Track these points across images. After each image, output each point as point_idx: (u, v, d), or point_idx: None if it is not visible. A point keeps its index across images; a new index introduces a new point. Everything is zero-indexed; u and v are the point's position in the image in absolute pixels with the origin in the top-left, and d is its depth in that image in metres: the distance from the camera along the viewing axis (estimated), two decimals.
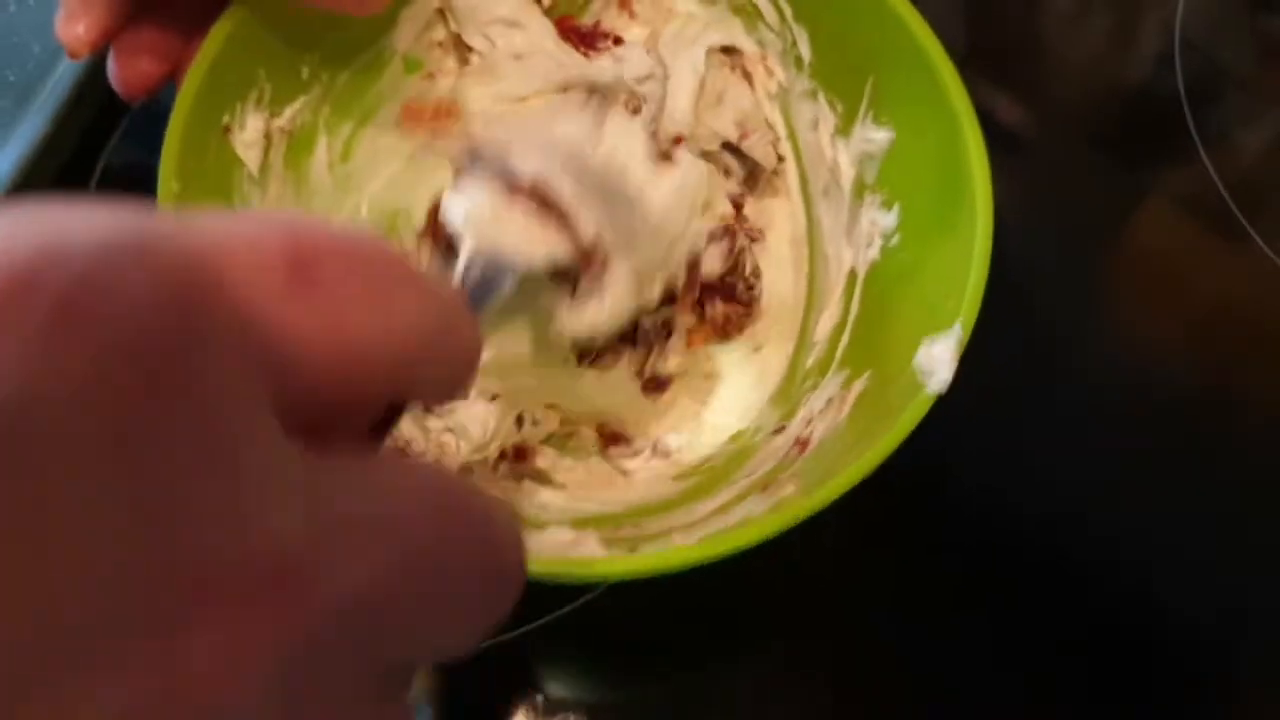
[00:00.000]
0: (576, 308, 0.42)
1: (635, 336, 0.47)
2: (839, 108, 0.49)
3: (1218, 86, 0.64)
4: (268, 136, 0.48)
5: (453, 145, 0.46)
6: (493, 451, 0.46)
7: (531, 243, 0.39)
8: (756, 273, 0.51)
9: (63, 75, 0.56)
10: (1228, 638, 0.50)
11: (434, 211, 0.44)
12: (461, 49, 0.53)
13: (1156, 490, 0.52)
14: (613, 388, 0.47)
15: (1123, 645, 0.49)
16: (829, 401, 0.47)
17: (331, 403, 0.17)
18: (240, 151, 0.46)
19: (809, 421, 0.47)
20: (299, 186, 0.50)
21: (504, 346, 0.43)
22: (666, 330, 0.48)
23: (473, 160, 0.42)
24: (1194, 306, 0.57)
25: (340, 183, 0.52)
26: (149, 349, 0.13)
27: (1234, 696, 0.50)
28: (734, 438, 0.50)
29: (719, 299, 0.49)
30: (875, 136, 0.48)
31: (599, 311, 0.42)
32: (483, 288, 0.37)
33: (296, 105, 0.49)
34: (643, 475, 0.49)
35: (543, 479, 0.47)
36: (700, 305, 0.49)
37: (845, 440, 0.44)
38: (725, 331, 0.51)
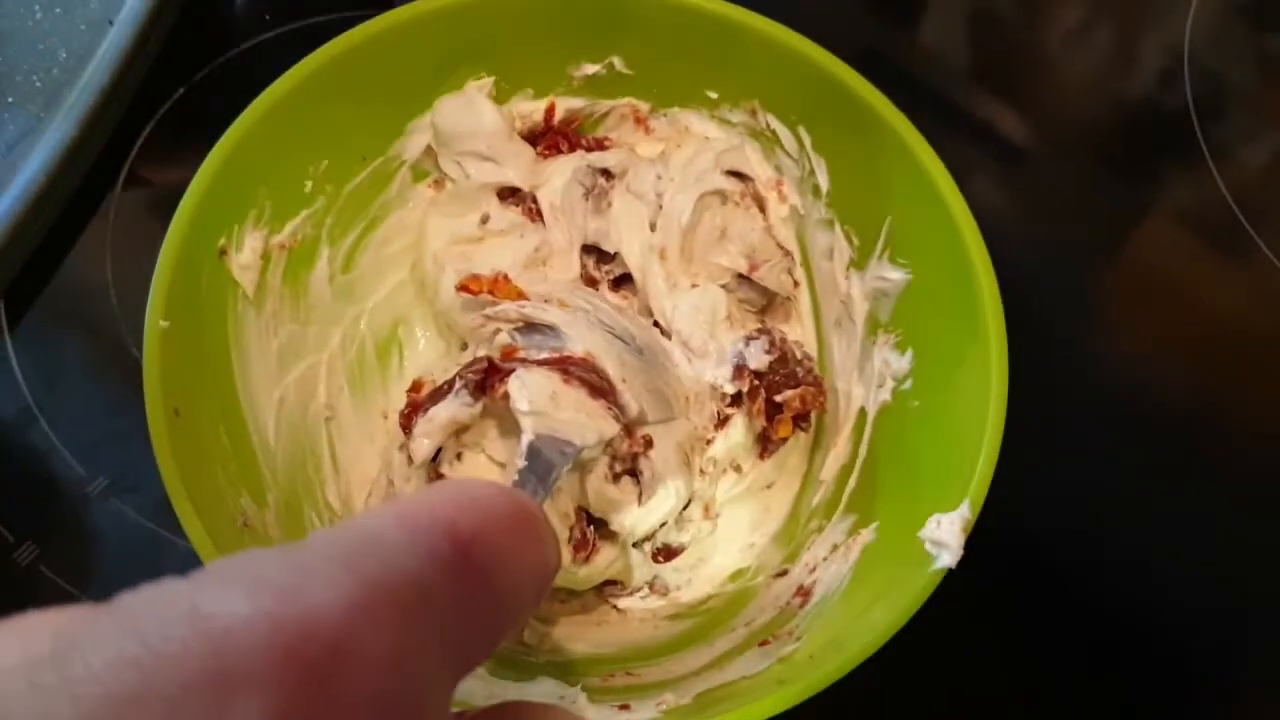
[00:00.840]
0: (646, 506, 0.44)
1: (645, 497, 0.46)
2: (855, 240, 0.48)
3: (1222, 103, 0.64)
4: (265, 255, 0.46)
5: (508, 313, 0.46)
6: None
7: (586, 424, 0.41)
8: (809, 355, 0.49)
9: (90, 80, 0.56)
10: (1226, 639, 0.51)
11: (487, 374, 0.44)
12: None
13: (1156, 503, 0.52)
14: (608, 564, 0.45)
15: (1119, 647, 0.49)
16: (834, 548, 0.45)
17: None
18: (236, 274, 0.45)
19: (813, 569, 0.45)
20: (296, 302, 0.48)
21: None
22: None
23: (526, 333, 0.44)
24: (1197, 321, 0.58)
25: (341, 294, 0.50)
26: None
27: (1234, 698, 0.51)
28: (734, 576, 0.48)
29: (785, 388, 0.48)
30: (891, 275, 0.46)
31: (665, 501, 0.44)
32: (545, 468, 0.39)
33: (298, 220, 0.48)
34: (638, 614, 0.47)
35: (527, 648, 0.46)
36: (769, 403, 0.48)
37: (850, 599, 0.42)
38: (805, 416, 0.49)
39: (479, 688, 0.41)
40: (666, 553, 0.48)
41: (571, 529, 0.44)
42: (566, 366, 0.42)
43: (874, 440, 0.47)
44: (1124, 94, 0.65)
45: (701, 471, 0.47)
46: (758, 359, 0.47)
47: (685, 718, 0.38)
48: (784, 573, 0.46)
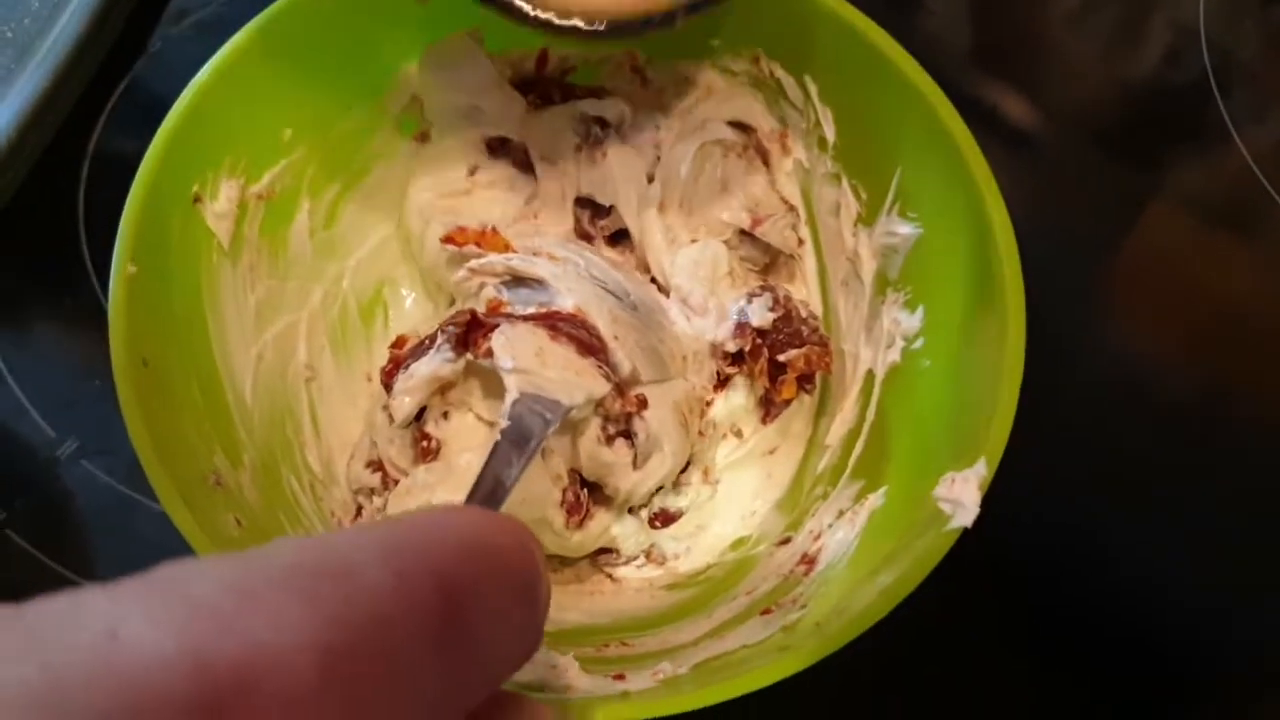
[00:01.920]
0: (642, 470, 0.42)
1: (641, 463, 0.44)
2: (863, 195, 0.46)
3: (1231, 81, 0.62)
4: (242, 205, 0.44)
5: (494, 265, 0.43)
6: None
7: (574, 382, 0.39)
8: (814, 314, 0.47)
9: (63, 31, 0.54)
10: (1229, 634, 0.49)
11: (469, 326, 0.41)
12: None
13: (1160, 495, 0.51)
14: (603, 530, 0.43)
15: (1117, 640, 0.48)
16: (840, 514, 0.43)
17: None
18: (211, 223, 0.42)
19: (817, 536, 0.43)
20: (275, 256, 0.46)
21: None
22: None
23: (513, 287, 0.42)
24: (1207, 308, 0.56)
25: (322, 250, 0.48)
26: None
27: (1235, 694, 0.50)
28: (735, 545, 0.46)
29: (789, 347, 0.45)
30: (901, 230, 0.44)
31: (661, 464, 0.42)
32: (526, 432, 0.37)
33: (277, 169, 0.45)
34: (634, 583, 0.45)
35: None
36: (772, 363, 0.46)
37: (857, 565, 0.40)
38: (810, 378, 0.47)
39: None
40: (664, 518, 0.45)
41: (564, 492, 0.42)
42: (554, 322, 0.40)
43: (883, 403, 0.45)
44: (1131, 74, 0.63)
45: (700, 434, 0.45)
46: (761, 316, 0.45)
47: (683, 687, 0.36)
48: (787, 540, 0.44)
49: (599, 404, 0.41)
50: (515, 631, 0.19)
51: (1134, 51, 0.63)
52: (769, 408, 0.47)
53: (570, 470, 0.42)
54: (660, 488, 0.44)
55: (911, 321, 0.43)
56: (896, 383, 0.44)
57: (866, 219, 0.46)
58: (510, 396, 0.38)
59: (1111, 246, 0.58)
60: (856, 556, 0.40)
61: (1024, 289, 0.39)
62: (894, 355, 0.44)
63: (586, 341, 0.40)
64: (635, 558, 0.45)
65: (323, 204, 0.48)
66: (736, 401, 0.46)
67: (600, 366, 0.40)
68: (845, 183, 0.46)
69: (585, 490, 0.42)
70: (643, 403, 0.41)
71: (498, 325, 0.40)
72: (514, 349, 0.39)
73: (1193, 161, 0.60)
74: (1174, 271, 0.57)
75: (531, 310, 0.41)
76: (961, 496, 0.36)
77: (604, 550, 0.45)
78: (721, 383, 0.46)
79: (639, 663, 0.39)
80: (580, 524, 0.42)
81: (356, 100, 0.47)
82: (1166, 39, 0.63)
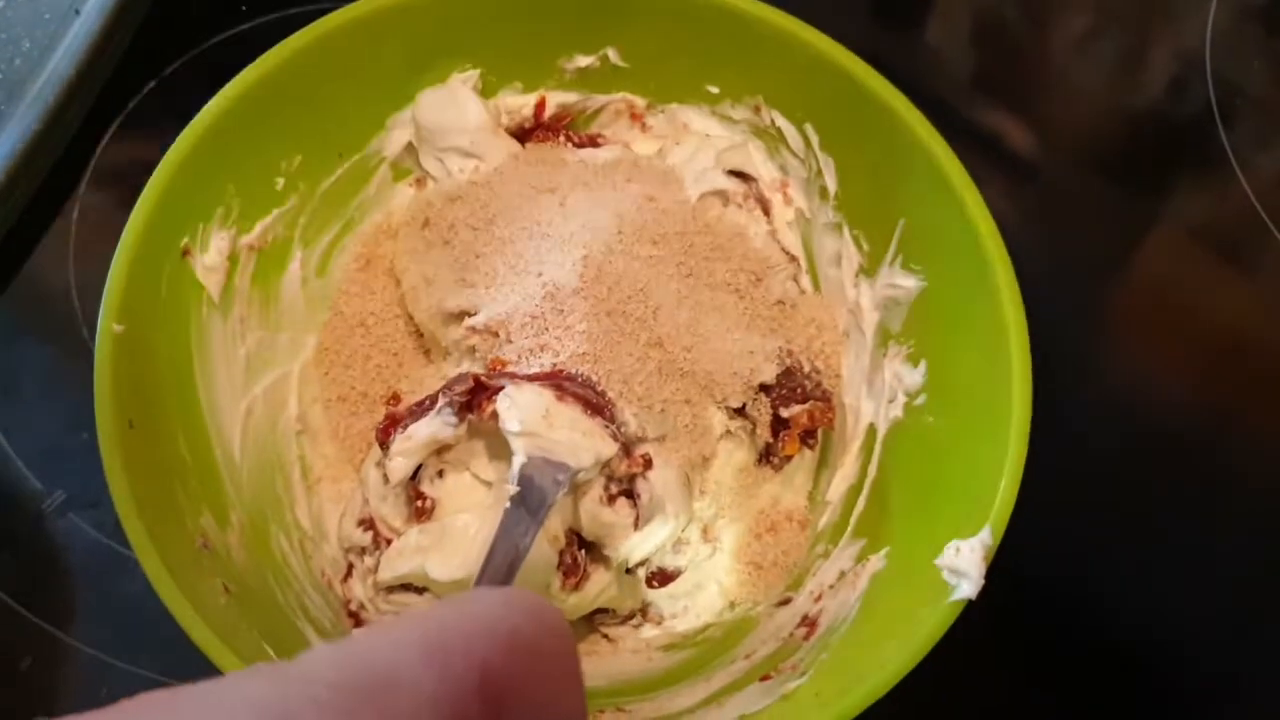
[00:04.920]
0: (643, 531, 0.41)
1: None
2: (865, 245, 0.45)
3: (1234, 113, 0.61)
4: (233, 256, 0.43)
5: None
6: None
7: (581, 444, 0.38)
8: (816, 368, 0.46)
9: (54, 72, 0.53)
10: (1232, 658, 0.49)
11: (474, 391, 0.40)
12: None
13: (1163, 522, 0.50)
14: (600, 591, 0.42)
15: (1122, 665, 0.48)
16: (841, 575, 0.42)
17: None
18: (201, 276, 0.42)
19: (818, 597, 0.42)
20: (266, 307, 0.45)
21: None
22: None
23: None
24: (1209, 336, 0.55)
25: (315, 299, 0.47)
26: None
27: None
28: (734, 604, 0.45)
29: (793, 402, 0.44)
30: (904, 283, 0.43)
31: (663, 525, 0.41)
32: (538, 497, 0.37)
33: (269, 219, 0.45)
34: (630, 643, 0.44)
35: None
36: (775, 418, 0.45)
37: (859, 631, 0.39)
38: (812, 433, 0.46)
39: None
40: (662, 577, 0.44)
41: (562, 554, 0.41)
42: (560, 382, 0.39)
43: (884, 459, 0.44)
44: (1134, 103, 0.62)
45: (701, 492, 0.44)
46: (764, 373, 0.44)
47: None
48: (787, 601, 0.43)
49: (604, 464, 0.40)
50: (561, 718, 0.19)
51: (1137, 80, 0.63)
52: (770, 462, 0.45)
53: (568, 530, 0.41)
54: (659, 549, 0.43)
55: (914, 377, 0.43)
56: (899, 439, 0.43)
57: (868, 270, 0.45)
58: (518, 460, 0.37)
59: (1110, 275, 0.57)
60: (859, 622, 0.39)
61: (1029, 347, 0.38)
62: (896, 410, 0.43)
63: (593, 401, 0.39)
64: (631, 617, 0.44)
65: (315, 253, 0.47)
66: (739, 457, 0.45)
67: (607, 426, 0.39)
68: (847, 233, 0.45)
69: (583, 551, 0.41)
70: (648, 463, 0.40)
71: (502, 387, 0.39)
72: (520, 411, 0.38)
73: (1194, 192, 0.59)
74: (1173, 301, 0.56)
75: (535, 369, 0.40)
76: (966, 567, 0.35)
77: (599, 610, 0.44)
78: (723, 435, 0.45)
79: None
80: (577, 586, 0.41)
81: (349, 148, 0.46)
82: (1171, 69, 0.63)
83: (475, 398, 0.39)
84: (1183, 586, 0.50)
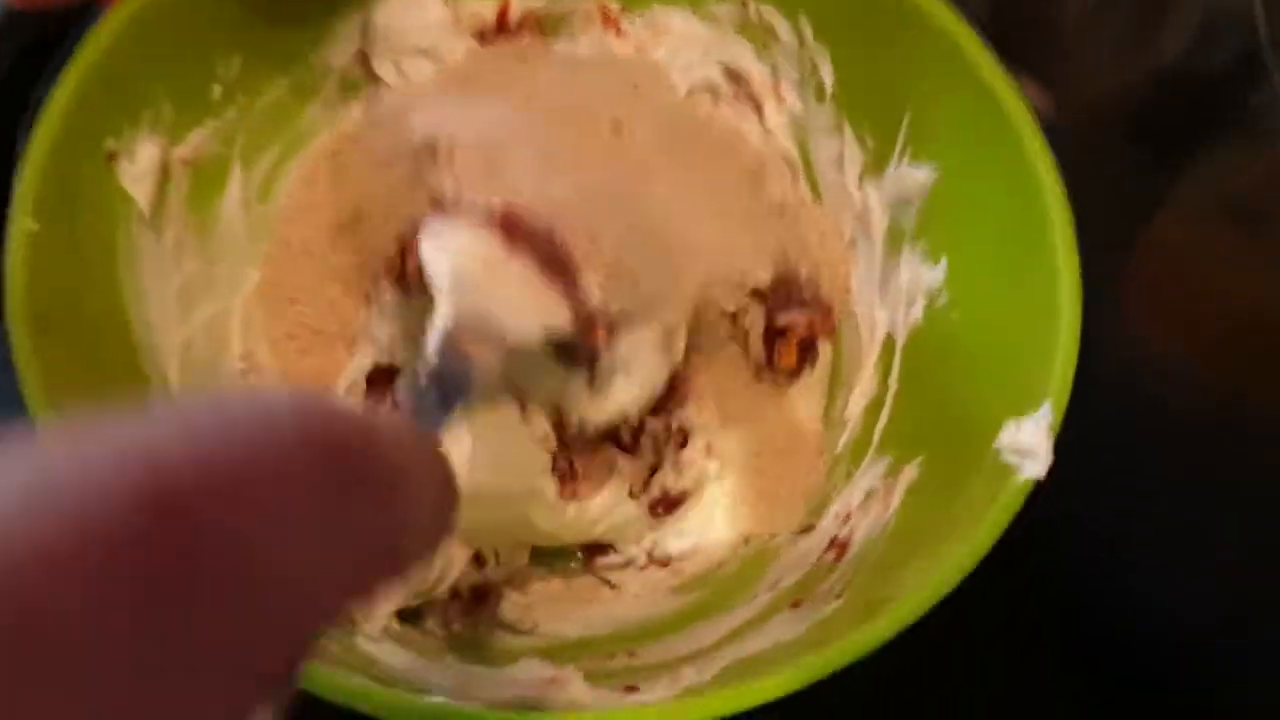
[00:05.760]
0: (600, 392, 0.34)
1: (633, 442, 0.38)
2: (869, 143, 0.41)
3: (1262, 70, 0.54)
4: (165, 169, 0.38)
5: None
6: (442, 593, 0.36)
7: (527, 308, 0.31)
8: (814, 278, 0.41)
9: None
10: (1245, 646, 0.46)
11: (403, 249, 0.35)
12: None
13: (1177, 506, 0.47)
14: (604, 512, 0.37)
15: (1126, 652, 0.45)
16: (869, 494, 0.38)
17: None
18: (128, 186, 0.36)
19: (846, 518, 0.38)
20: (204, 232, 0.40)
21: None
22: (681, 436, 0.39)
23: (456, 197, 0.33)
24: (1230, 312, 0.51)
25: (256, 228, 0.42)
26: None
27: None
28: (750, 538, 0.40)
29: (792, 309, 0.40)
30: (915, 176, 0.40)
31: (628, 390, 0.34)
32: (463, 365, 0.29)
33: (205, 131, 0.39)
34: (634, 588, 0.39)
35: (508, 627, 0.37)
36: (770, 330, 0.40)
37: (900, 541, 0.35)
38: (811, 347, 0.41)
39: (447, 677, 0.33)
40: (665, 503, 0.39)
41: (554, 457, 0.35)
42: (512, 225, 0.31)
43: (906, 369, 0.40)
44: (1158, 61, 0.58)
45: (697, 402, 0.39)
46: (758, 274, 0.39)
47: (707, 693, 0.30)
48: (809, 528, 0.39)
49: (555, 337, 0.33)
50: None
51: (1162, 35, 0.58)
52: (771, 379, 0.41)
53: (555, 423, 0.35)
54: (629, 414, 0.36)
55: (934, 275, 0.39)
56: (921, 344, 0.39)
57: (874, 169, 0.41)
58: (440, 324, 0.29)
59: (1130, 247, 0.54)
60: (896, 533, 0.35)
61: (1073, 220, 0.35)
62: (916, 314, 0.40)
63: (553, 256, 0.31)
64: (635, 559, 0.39)
65: (256, 176, 0.42)
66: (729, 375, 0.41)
67: (566, 290, 0.32)
68: (848, 131, 0.42)
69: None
70: (609, 332, 0.33)
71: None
72: (452, 257, 0.30)
73: (1222, 156, 0.55)
74: (1195, 276, 0.53)
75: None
76: (1030, 443, 0.32)
77: (599, 551, 0.39)
78: None
79: (652, 673, 0.33)
80: (574, 493, 0.36)
81: (294, 56, 0.42)
82: (1198, 20, 0.57)
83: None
84: (1199, 566, 0.46)
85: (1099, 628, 0.46)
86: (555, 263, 0.31)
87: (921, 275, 0.39)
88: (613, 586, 0.39)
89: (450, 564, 0.34)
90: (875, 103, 0.41)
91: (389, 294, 0.36)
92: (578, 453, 0.36)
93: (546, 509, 0.35)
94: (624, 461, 0.37)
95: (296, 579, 0.14)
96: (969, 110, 0.37)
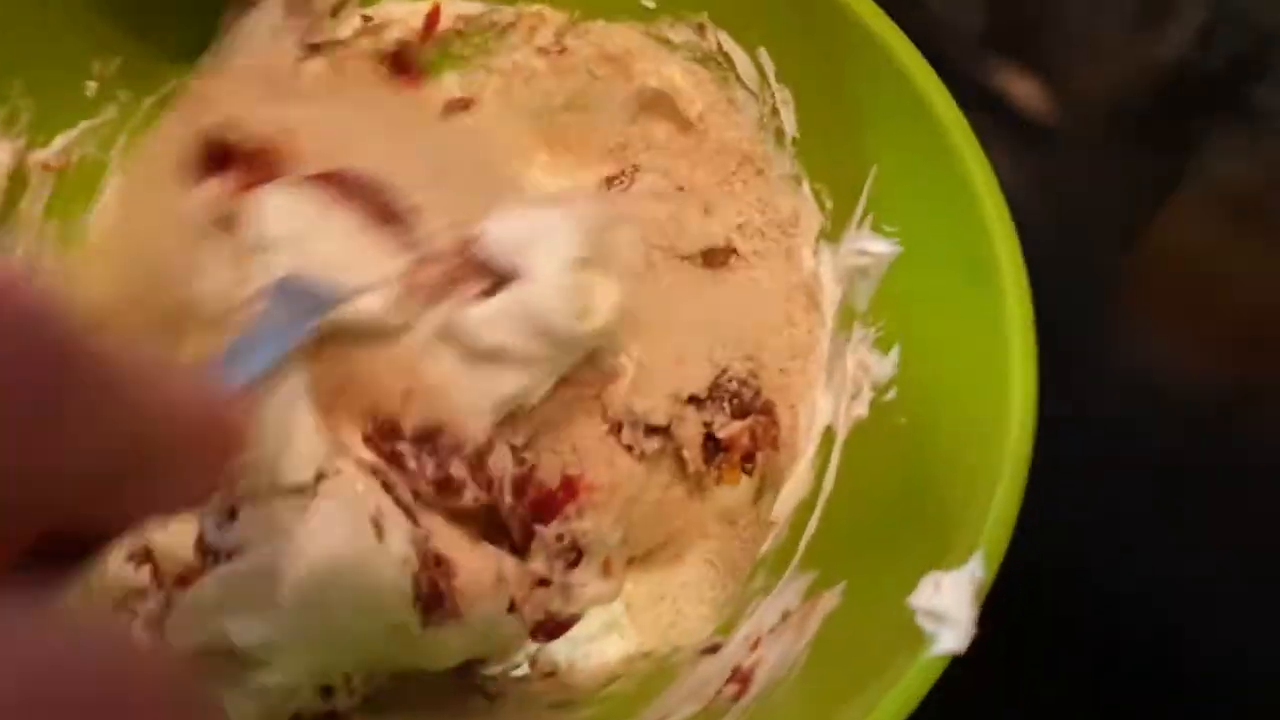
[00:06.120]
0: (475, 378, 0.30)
1: (523, 542, 0.33)
2: (828, 203, 0.36)
3: (1263, 64, 0.55)
4: (19, 174, 0.34)
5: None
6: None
7: (354, 260, 0.30)
8: (753, 371, 0.36)
9: None
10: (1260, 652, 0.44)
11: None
12: None
13: (1184, 509, 0.45)
14: (480, 630, 0.32)
15: (1140, 654, 0.43)
16: (784, 617, 0.33)
17: None
18: None
19: (755, 644, 0.33)
20: (67, 243, 0.36)
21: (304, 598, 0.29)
22: (575, 552, 0.34)
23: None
24: (1233, 309, 0.50)
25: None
26: None
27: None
28: (648, 652, 0.35)
29: (730, 417, 0.35)
30: (874, 248, 0.34)
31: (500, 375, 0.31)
32: (285, 321, 0.27)
33: (74, 133, 0.35)
34: (514, 698, 0.34)
35: None
36: (708, 438, 0.35)
37: (805, 692, 0.30)
38: (753, 456, 0.36)
39: None
40: (551, 627, 0.34)
41: (418, 578, 0.31)
42: (339, 179, 0.31)
43: (844, 469, 0.35)
44: (1151, 59, 0.56)
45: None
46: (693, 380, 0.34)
47: None
48: (715, 647, 0.34)
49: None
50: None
51: (1164, 27, 0.56)
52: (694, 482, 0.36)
53: (422, 548, 0.30)
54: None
55: (883, 366, 0.34)
56: (862, 444, 0.34)
57: (831, 234, 0.36)
58: (264, 275, 0.29)
59: (1133, 244, 0.52)
60: (805, 678, 0.30)
61: (1033, 326, 0.30)
62: (860, 409, 0.35)
63: (384, 206, 0.31)
64: (517, 664, 0.34)
65: None
66: (657, 482, 0.35)
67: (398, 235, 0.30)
68: (806, 187, 0.37)
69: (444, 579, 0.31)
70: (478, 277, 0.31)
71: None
72: (276, 219, 0.30)
73: (1225, 150, 0.54)
74: (1198, 274, 0.51)
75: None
76: (949, 609, 0.26)
77: (472, 660, 0.34)
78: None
79: None
80: (444, 618, 0.31)
81: (184, 51, 0.37)
82: (1201, 14, 0.56)
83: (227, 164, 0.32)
84: (1212, 569, 0.44)
85: (1098, 626, 0.43)
86: (386, 213, 0.30)
87: (871, 364, 0.34)
88: (489, 697, 0.34)
89: (282, 700, 0.30)
90: (838, 156, 0.36)
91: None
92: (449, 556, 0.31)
93: (408, 642, 0.30)
94: (509, 567, 0.32)
95: None
96: (934, 179, 0.32)
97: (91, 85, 0.35)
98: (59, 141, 0.35)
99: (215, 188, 0.32)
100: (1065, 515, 0.40)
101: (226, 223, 0.31)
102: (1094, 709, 0.42)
